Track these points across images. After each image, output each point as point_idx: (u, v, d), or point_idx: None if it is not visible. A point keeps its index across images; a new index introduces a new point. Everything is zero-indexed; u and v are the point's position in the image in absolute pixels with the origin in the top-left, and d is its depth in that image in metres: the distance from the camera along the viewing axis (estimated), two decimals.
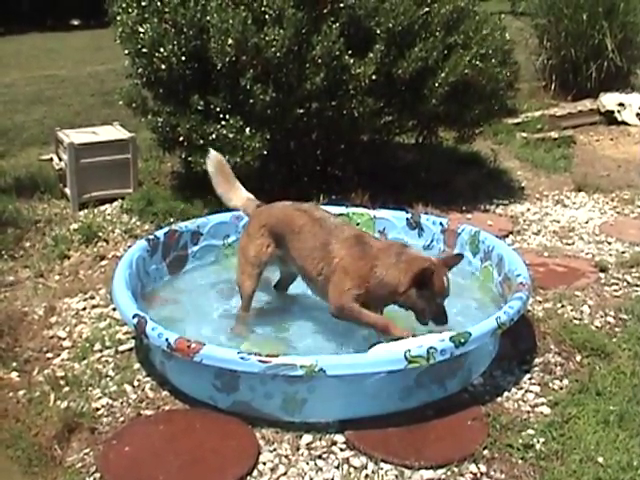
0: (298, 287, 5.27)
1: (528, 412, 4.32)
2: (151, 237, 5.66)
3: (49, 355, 4.98)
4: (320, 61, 6.51)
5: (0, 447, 4.08)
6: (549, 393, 4.49)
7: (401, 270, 4.56)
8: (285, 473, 3.87)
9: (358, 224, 6.08)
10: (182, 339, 4.20)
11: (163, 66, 6.68)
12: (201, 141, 6.68)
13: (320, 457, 3.97)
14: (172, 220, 6.82)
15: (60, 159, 7.72)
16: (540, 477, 3.85)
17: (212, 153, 5.41)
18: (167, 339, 4.23)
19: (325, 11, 6.64)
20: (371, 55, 6.66)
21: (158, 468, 3.87)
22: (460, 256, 4.95)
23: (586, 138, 10.33)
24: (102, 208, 7.41)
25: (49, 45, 18.38)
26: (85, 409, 4.32)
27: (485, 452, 3.98)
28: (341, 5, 6.67)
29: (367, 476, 3.85)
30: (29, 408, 4.40)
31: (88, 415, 4.28)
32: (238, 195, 5.33)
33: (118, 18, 7.13)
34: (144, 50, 6.75)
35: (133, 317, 4.47)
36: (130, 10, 7.00)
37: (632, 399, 4.37)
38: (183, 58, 6.65)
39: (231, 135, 6.52)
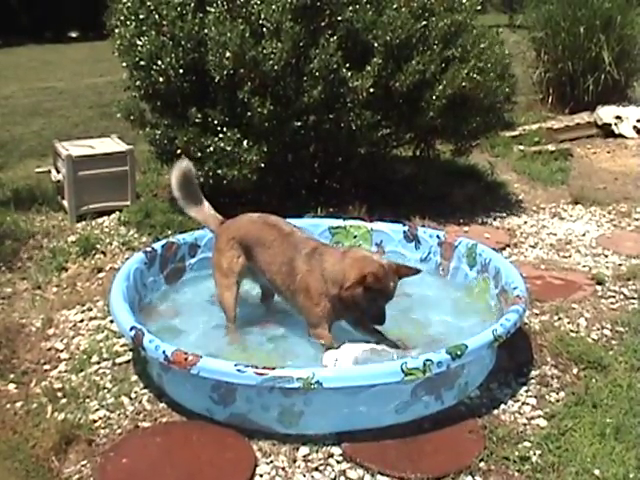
0: None
1: (525, 424, 4.32)
2: (149, 249, 5.66)
3: (47, 367, 4.98)
4: (318, 74, 6.53)
5: None
6: (545, 405, 4.49)
7: (346, 266, 4.68)
8: None
9: (355, 237, 6.12)
10: (179, 351, 4.20)
11: (161, 79, 6.71)
12: (199, 154, 6.71)
13: (317, 469, 3.96)
14: (170, 232, 6.83)
15: (58, 171, 7.73)
16: None
17: (184, 161, 5.44)
18: (164, 351, 4.23)
19: (323, 24, 6.66)
20: (369, 68, 6.68)
21: None
22: (417, 271, 4.91)
23: (583, 151, 10.36)
24: (100, 220, 7.43)
25: (47, 57, 18.43)
26: (82, 421, 4.32)
27: (481, 464, 3.98)
28: (339, 18, 6.70)
29: None
30: (26, 420, 4.39)
31: (85, 427, 4.27)
32: (201, 208, 5.39)
33: (116, 31, 7.17)
34: (142, 63, 6.78)
35: (130, 329, 4.47)
36: (128, 23, 7.03)
37: (628, 412, 4.37)
38: (181, 71, 6.68)
39: (229, 148, 6.54)
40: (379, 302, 4.67)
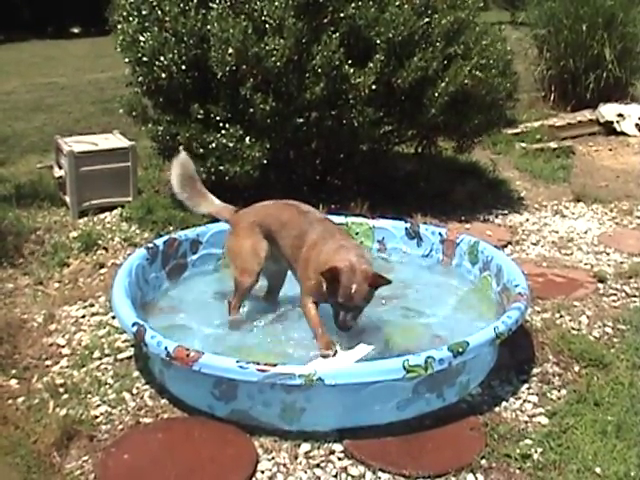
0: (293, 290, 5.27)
1: (526, 422, 4.32)
2: (151, 245, 5.66)
3: (48, 362, 4.98)
4: (320, 71, 6.53)
5: None
6: (547, 403, 4.49)
7: (329, 253, 4.69)
8: None
9: (357, 234, 6.10)
10: (181, 348, 4.21)
11: (163, 75, 6.71)
12: (201, 150, 6.71)
13: (318, 466, 3.97)
14: (172, 228, 6.84)
15: (60, 167, 7.73)
16: None
17: (182, 154, 5.47)
18: (166, 347, 4.23)
19: (325, 21, 6.66)
20: (371, 65, 6.67)
21: (156, 476, 3.88)
22: (388, 281, 4.67)
23: (585, 149, 10.36)
24: (102, 216, 7.43)
25: (49, 53, 18.43)
26: (84, 417, 4.32)
27: (483, 462, 3.98)
28: (341, 15, 6.69)
29: None
30: (28, 415, 4.39)
31: (87, 423, 4.28)
32: (208, 201, 5.39)
33: (119, 26, 7.16)
34: (144, 59, 6.78)
35: (132, 325, 4.48)
36: (131, 19, 7.03)
37: (630, 409, 4.37)
38: (183, 67, 6.68)
39: (231, 144, 6.54)
40: (340, 301, 4.51)
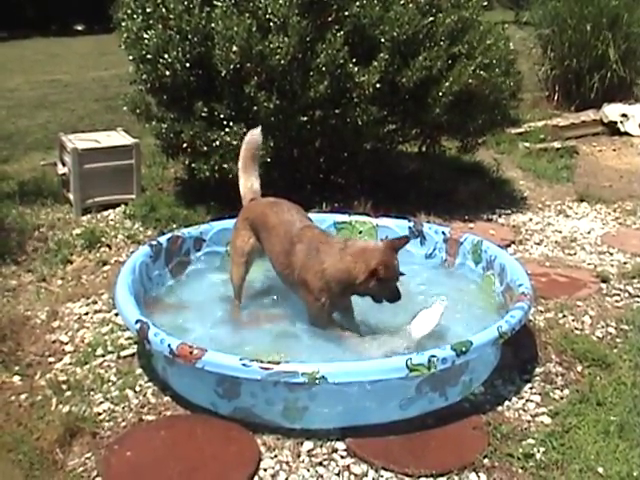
0: None
1: (529, 422, 4.33)
2: (154, 243, 5.67)
3: (51, 359, 4.98)
4: (324, 69, 6.53)
5: (2, 451, 4.07)
6: (550, 403, 4.49)
7: (350, 263, 4.69)
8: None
9: (360, 232, 6.11)
10: (184, 345, 4.21)
11: (167, 72, 6.70)
12: (205, 148, 6.71)
13: (321, 464, 3.97)
14: (175, 226, 6.85)
15: (63, 164, 7.73)
16: None
17: (256, 130, 5.54)
18: (169, 345, 4.23)
19: (329, 19, 6.66)
20: (375, 64, 6.67)
21: (159, 473, 3.89)
22: (406, 238, 5.01)
23: (589, 149, 10.35)
24: (105, 213, 7.44)
25: (53, 50, 18.43)
26: (87, 414, 4.33)
27: (485, 461, 3.98)
28: (346, 13, 6.69)
29: None
30: (31, 412, 4.40)
31: (90, 420, 4.28)
32: (245, 182, 5.45)
33: (123, 24, 7.16)
34: (148, 56, 6.77)
35: (135, 322, 4.48)
36: (135, 16, 7.03)
37: (632, 410, 4.37)
38: (187, 65, 6.67)
39: (235, 142, 6.53)
40: (391, 283, 4.73)
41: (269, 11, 6.51)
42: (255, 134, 5.50)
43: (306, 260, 4.81)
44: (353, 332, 4.86)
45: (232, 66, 6.49)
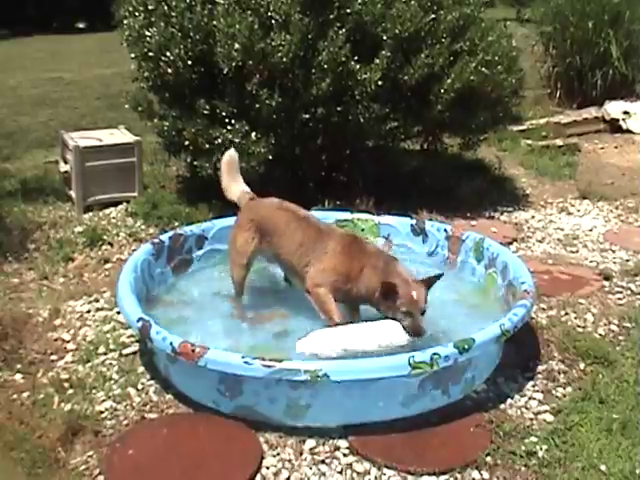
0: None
1: (531, 419, 4.32)
2: (156, 241, 5.67)
3: (53, 357, 4.98)
4: (326, 66, 6.52)
5: (4, 449, 4.07)
6: (552, 400, 4.49)
7: (378, 278, 4.69)
8: (288, 478, 3.87)
9: (363, 230, 6.11)
10: (186, 343, 4.21)
11: (169, 70, 6.70)
12: (207, 145, 6.71)
13: (323, 462, 3.97)
14: (177, 224, 6.85)
15: (65, 162, 7.73)
16: None
17: (231, 150, 5.62)
18: (171, 343, 4.23)
19: (331, 17, 6.65)
20: (377, 61, 6.67)
21: (161, 472, 3.89)
22: (441, 275, 4.91)
23: (591, 146, 10.33)
24: (107, 211, 7.44)
25: (55, 48, 18.41)
26: (89, 412, 4.33)
27: (488, 459, 3.98)
28: (348, 11, 6.68)
29: None
30: (33, 410, 4.40)
31: (92, 418, 4.28)
32: (235, 188, 5.48)
33: (125, 22, 7.16)
34: (150, 54, 6.77)
35: (137, 320, 4.48)
36: (137, 14, 7.03)
37: (635, 407, 4.36)
38: (189, 62, 6.67)
39: (237, 140, 6.53)
40: (410, 313, 4.61)
41: (271, 9, 6.51)
42: (231, 154, 5.56)
43: (348, 248, 4.90)
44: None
45: (234, 64, 6.49)
